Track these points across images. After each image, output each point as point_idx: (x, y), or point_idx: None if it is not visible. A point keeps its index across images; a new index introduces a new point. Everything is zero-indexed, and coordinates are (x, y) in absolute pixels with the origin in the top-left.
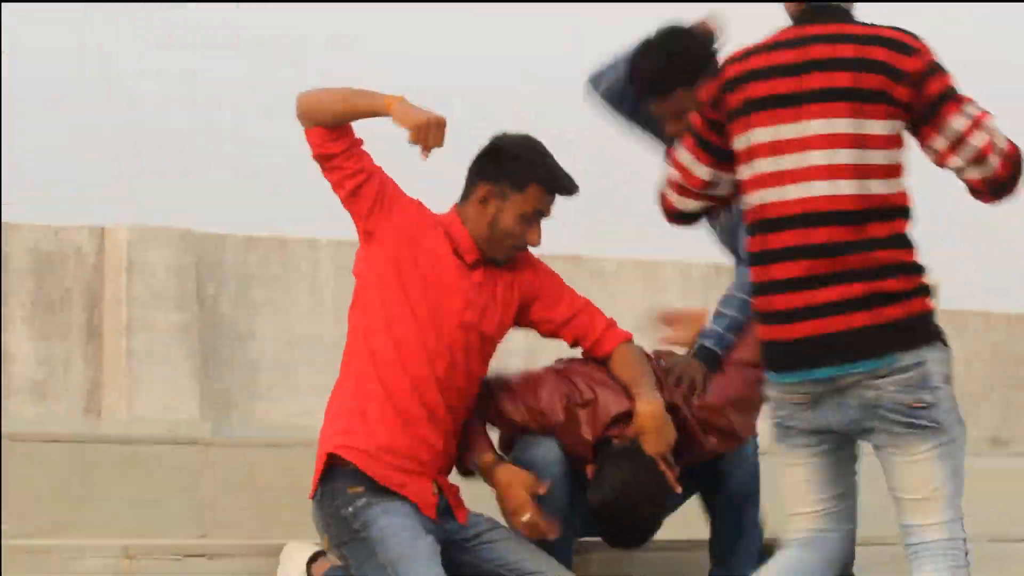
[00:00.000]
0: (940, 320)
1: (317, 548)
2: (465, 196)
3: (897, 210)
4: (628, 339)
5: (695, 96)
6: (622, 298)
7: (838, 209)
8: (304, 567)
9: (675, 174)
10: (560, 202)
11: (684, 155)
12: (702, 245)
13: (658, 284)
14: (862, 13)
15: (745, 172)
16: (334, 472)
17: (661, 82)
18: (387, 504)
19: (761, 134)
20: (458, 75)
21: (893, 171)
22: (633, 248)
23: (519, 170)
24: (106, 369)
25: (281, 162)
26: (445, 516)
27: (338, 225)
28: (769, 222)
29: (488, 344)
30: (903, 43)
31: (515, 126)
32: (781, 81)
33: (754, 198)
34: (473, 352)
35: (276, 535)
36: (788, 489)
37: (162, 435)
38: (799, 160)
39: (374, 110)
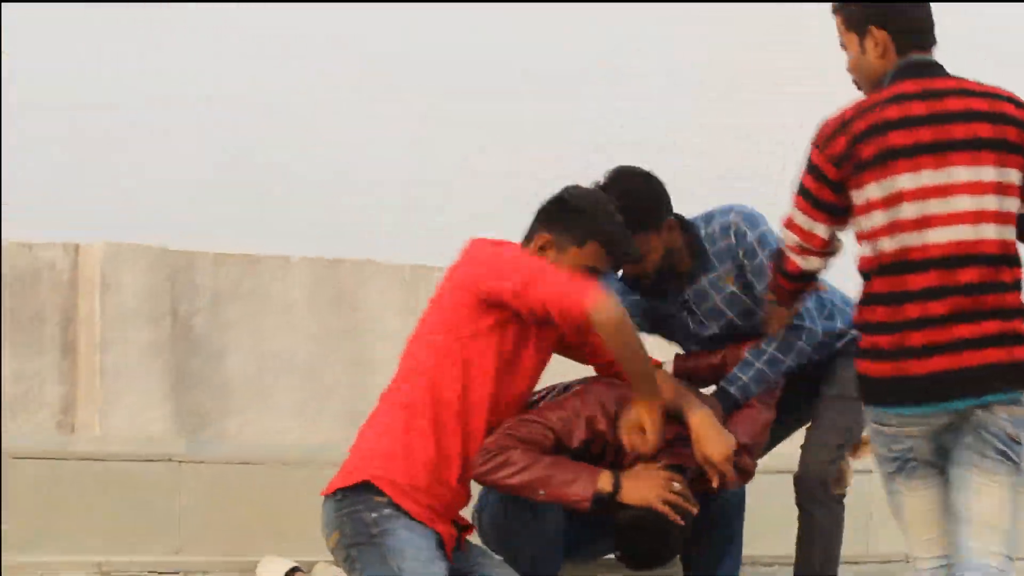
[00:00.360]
0: None
1: (292, 564)
2: (527, 239)
3: (1017, 257)
4: (656, 362)
5: (655, 236)
6: None
7: (982, 252)
8: None
9: (793, 237)
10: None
11: (800, 217)
12: None
13: None
14: None
15: (877, 219)
16: (364, 485)
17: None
18: (410, 522)
19: (905, 180)
20: (457, 76)
21: (1018, 220)
22: None
23: (582, 225)
24: (80, 386)
25: (255, 179)
26: (454, 550)
27: (310, 243)
28: (910, 264)
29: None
30: (1021, 101)
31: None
32: (923, 130)
33: (889, 243)
34: (529, 389)
35: (250, 552)
36: (911, 518)
37: (136, 452)
38: (943, 205)
39: (646, 380)
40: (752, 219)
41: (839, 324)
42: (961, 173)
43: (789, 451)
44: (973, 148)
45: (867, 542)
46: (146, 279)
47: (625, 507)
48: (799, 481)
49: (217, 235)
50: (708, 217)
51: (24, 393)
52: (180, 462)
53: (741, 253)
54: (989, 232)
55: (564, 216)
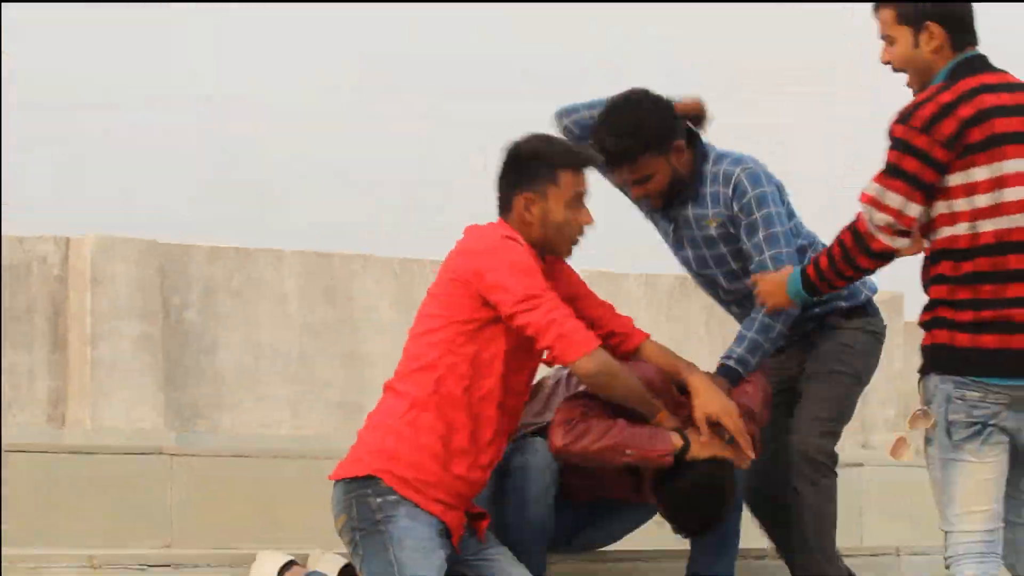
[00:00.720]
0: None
1: (288, 557)
2: (506, 210)
3: None
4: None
5: (661, 158)
6: None
7: None
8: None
9: (885, 218)
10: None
11: (894, 199)
12: (667, 258)
13: (623, 297)
14: None
15: (980, 201)
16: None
17: (624, 153)
18: (414, 510)
19: (1011, 165)
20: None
21: None
22: (598, 261)
23: (544, 165)
24: (71, 380)
25: (247, 173)
26: (464, 538)
27: (301, 238)
28: (1012, 245)
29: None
30: None
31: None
32: (1016, 120)
33: (991, 224)
34: (534, 374)
35: (241, 545)
36: (972, 486)
37: (127, 445)
38: None
39: (651, 413)
40: (755, 178)
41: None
42: None
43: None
44: None
45: (860, 536)
46: (137, 272)
47: (689, 468)
48: (785, 459)
49: (214, 234)
50: (720, 157)
51: (15, 387)
52: (171, 455)
53: (736, 208)
54: None
55: (524, 168)
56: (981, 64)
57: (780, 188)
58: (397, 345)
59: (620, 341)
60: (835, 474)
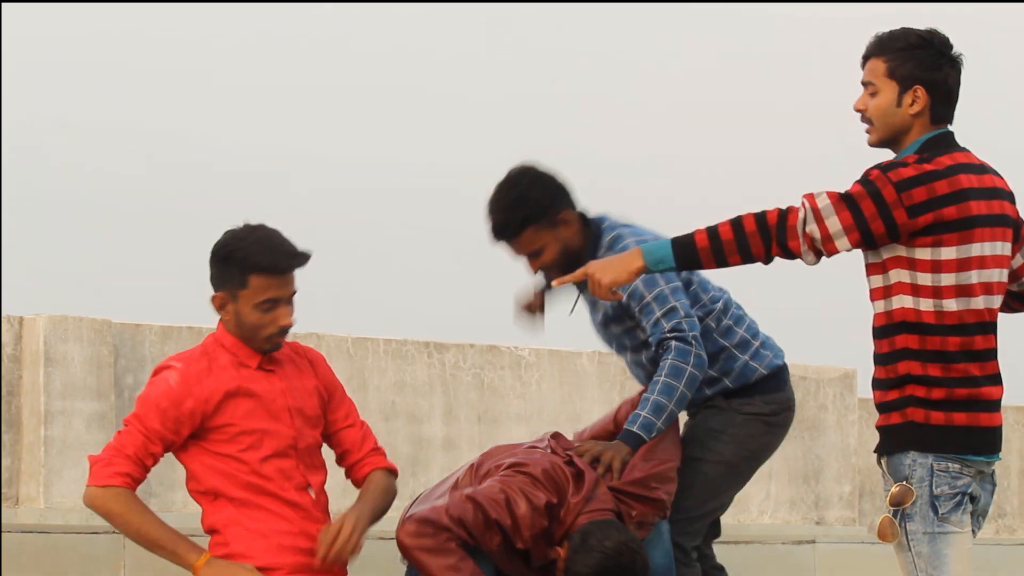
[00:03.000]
0: None
1: None
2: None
3: None
4: (391, 469)
5: (547, 231)
6: (538, 388)
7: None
8: None
9: (816, 231)
10: (453, 291)
11: (834, 223)
12: None
13: (575, 374)
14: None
15: (946, 280)
16: None
17: (505, 228)
18: None
19: (980, 248)
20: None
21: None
22: (550, 339)
23: (232, 267)
24: (24, 458)
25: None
26: None
27: None
28: (978, 326)
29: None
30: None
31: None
32: (985, 203)
33: (956, 304)
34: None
35: None
36: (961, 556)
37: (79, 524)
38: (1000, 275)
39: (176, 561)
40: (651, 280)
41: (754, 368)
42: (1001, 247)
43: (725, 521)
44: (1005, 225)
45: None
46: (91, 351)
47: (578, 557)
48: None
49: (167, 313)
50: (616, 240)
51: None
52: (124, 535)
53: (632, 306)
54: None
55: (217, 271)
56: (951, 142)
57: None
58: None
59: (352, 464)
60: (692, 566)
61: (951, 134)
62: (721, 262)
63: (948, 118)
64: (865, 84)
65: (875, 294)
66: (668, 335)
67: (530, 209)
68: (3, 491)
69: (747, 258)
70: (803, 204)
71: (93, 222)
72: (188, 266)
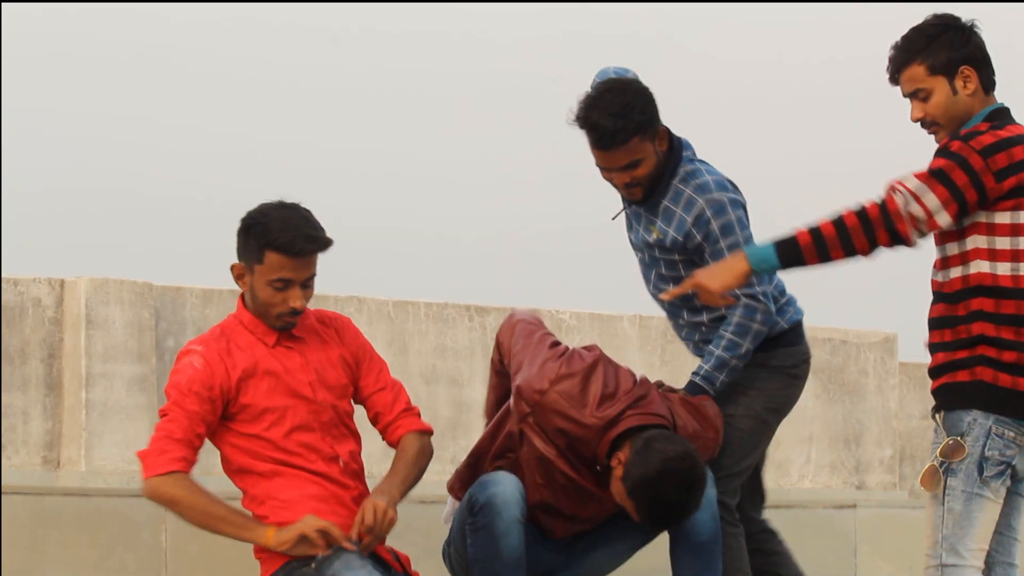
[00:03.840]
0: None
1: None
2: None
3: None
4: (424, 430)
5: (649, 142)
6: None
7: None
8: None
9: (919, 211)
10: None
11: (932, 200)
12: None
13: (616, 337)
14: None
15: (1023, 244)
16: None
17: (619, 132)
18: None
19: None
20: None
21: None
22: (591, 302)
23: (252, 241)
24: (65, 421)
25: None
26: None
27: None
28: None
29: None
30: None
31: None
32: None
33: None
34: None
35: None
36: (987, 524)
37: (121, 487)
38: None
39: (244, 540)
40: (721, 208)
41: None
42: None
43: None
44: None
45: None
46: (132, 314)
47: (635, 474)
48: None
49: (208, 275)
50: (689, 175)
51: (10, 429)
52: None
53: (698, 236)
54: None
55: (240, 241)
56: (1009, 116)
57: (744, 208)
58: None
59: (385, 427)
60: (737, 526)
61: (1008, 109)
62: (824, 258)
63: (994, 83)
64: (912, 95)
65: (951, 261)
66: (739, 292)
67: (642, 116)
68: (45, 454)
69: (850, 252)
70: (896, 189)
71: (133, 185)
72: (230, 229)
